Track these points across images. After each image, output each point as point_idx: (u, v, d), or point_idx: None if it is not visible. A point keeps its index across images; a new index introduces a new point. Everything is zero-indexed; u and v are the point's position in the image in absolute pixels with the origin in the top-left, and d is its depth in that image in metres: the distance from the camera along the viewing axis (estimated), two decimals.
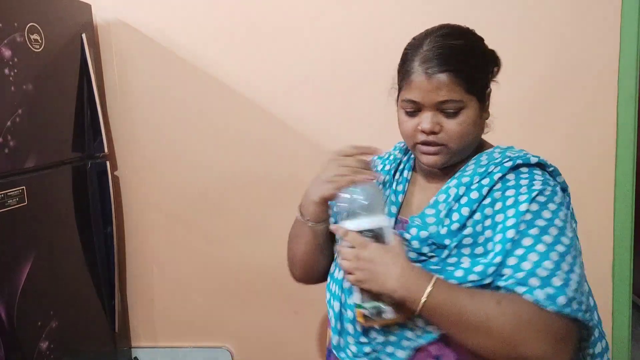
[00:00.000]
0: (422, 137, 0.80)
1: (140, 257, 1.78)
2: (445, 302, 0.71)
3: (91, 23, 1.61)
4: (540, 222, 0.73)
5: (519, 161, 0.80)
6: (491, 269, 0.72)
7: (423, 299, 0.71)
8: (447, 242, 0.77)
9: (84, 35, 1.53)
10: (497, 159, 0.82)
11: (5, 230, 1.20)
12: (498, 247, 0.73)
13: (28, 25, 1.28)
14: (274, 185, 1.64)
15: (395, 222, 0.87)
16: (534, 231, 0.72)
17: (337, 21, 1.55)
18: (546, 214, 0.74)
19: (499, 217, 0.76)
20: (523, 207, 0.74)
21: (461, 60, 0.78)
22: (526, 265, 0.70)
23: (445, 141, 0.80)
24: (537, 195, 0.75)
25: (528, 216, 0.73)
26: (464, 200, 0.79)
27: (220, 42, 1.62)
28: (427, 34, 0.82)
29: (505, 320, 0.69)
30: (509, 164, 0.80)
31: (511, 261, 0.72)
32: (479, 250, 0.76)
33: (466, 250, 0.77)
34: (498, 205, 0.77)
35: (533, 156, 0.81)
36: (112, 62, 1.69)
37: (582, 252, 0.77)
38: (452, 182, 0.83)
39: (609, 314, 1.55)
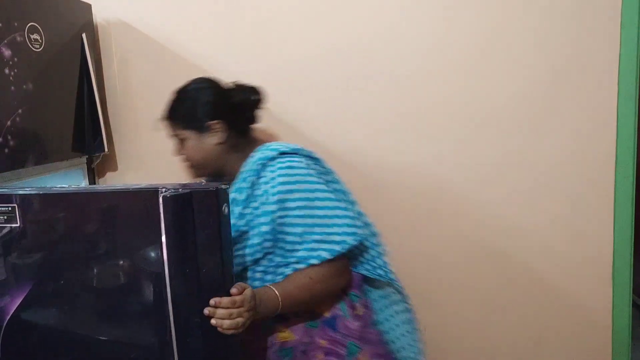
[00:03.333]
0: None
1: None
2: (288, 298, 1.01)
3: (91, 23, 1.61)
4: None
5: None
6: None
7: (280, 307, 1.00)
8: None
9: (84, 35, 1.53)
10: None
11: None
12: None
13: (28, 25, 1.28)
14: None
15: None
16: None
17: (339, 21, 1.54)
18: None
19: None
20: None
21: (170, 109, 1.18)
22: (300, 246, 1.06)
23: (188, 160, 1.18)
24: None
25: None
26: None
27: (221, 42, 1.62)
28: None
29: (315, 284, 1.03)
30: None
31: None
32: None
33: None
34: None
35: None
36: (112, 62, 1.69)
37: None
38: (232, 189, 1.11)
39: (609, 314, 1.54)
